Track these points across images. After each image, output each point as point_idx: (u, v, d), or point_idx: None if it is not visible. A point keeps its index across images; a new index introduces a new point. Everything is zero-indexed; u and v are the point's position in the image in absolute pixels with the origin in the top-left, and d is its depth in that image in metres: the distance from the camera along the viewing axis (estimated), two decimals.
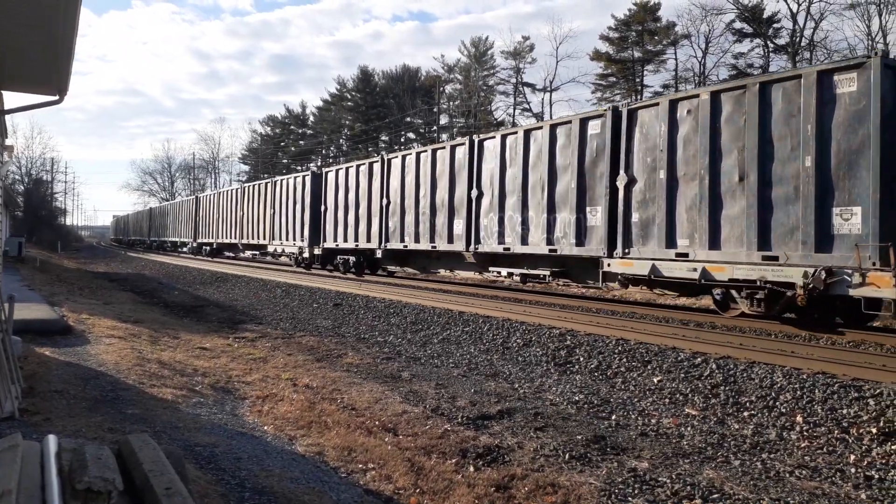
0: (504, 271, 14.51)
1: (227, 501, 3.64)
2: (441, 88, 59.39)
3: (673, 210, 10.23)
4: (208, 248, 36.97)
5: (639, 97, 44.76)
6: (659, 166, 10.44)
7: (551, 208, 12.58)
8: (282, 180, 25.88)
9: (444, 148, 16.19)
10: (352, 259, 20.87)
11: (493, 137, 14.48)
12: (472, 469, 4.56)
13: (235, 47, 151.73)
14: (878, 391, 5.85)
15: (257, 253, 31.11)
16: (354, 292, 15.49)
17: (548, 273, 13.21)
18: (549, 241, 12.62)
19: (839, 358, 7.21)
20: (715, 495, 4.07)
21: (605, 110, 11.76)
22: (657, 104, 10.67)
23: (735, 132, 9.35)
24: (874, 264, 7.74)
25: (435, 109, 60.87)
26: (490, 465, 4.66)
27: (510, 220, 13.72)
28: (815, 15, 38.33)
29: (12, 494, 2.21)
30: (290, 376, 7.43)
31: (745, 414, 5.94)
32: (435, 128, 61.70)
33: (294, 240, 24.02)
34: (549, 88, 51.28)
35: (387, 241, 18.29)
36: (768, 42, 42.66)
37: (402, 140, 64.68)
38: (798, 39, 39.23)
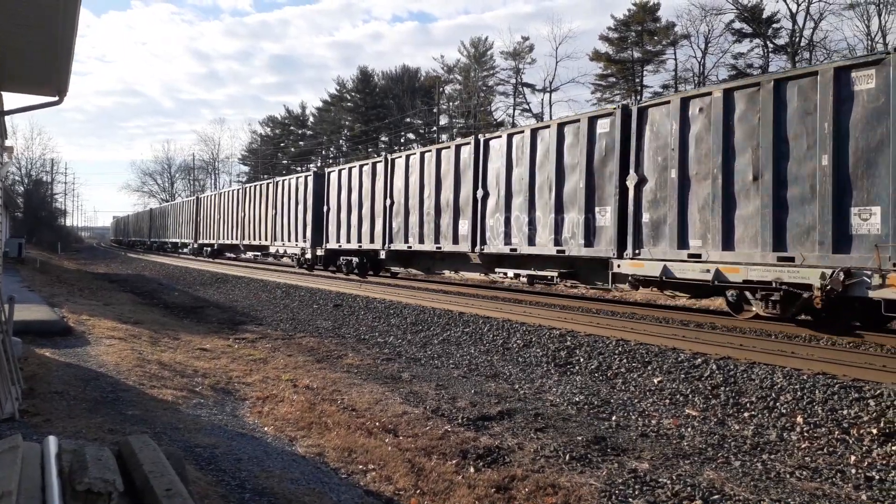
0: (511, 272, 14.34)
1: (227, 502, 3.63)
2: (441, 89, 59.41)
3: (685, 210, 10.05)
4: (209, 249, 36.90)
5: (639, 97, 44.75)
6: (670, 165, 10.27)
7: (559, 208, 12.41)
8: (284, 181, 25.74)
9: (448, 148, 16.02)
10: (355, 260, 20.72)
11: (500, 137, 14.32)
12: (472, 470, 4.56)
13: (235, 48, 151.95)
14: (878, 392, 5.85)
15: (259, 254, 30.99)
16: (355, 293, 15.50)
17: (555, 274, 13.03)
18: (557, 242, 12.44)
19: (839, 359, 7.21)
20: (715, 496, 4.07)
21: (615, 108, 11.56)
22: (668, 102, 10.49)
23: (749, 130, 9.19)
24: (895, 265, 7.56)
25: (435, 110, 60.89)
26: (490, 465, 4.66)
27: (517, 221, 13.56)
28: (814, 15, 38.45)
29: (13, 496, 2.21)
30: (290, 377, 7.43)
31: (746, 415, 5.94)
32: (435, 128, 61.73)
33: (296, 241, 23.90)
34: (548, 89, 51.37)
35: (390, 241, 18.15)
36: (768, 42, 42.71)
37: (402, 141, 64.72)
38: (797, 39, 39.27)
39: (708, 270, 9.49)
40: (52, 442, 2.69)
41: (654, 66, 49.66)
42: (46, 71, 6.60)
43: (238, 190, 32.32)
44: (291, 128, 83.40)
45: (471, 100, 56.01)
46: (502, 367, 8.19)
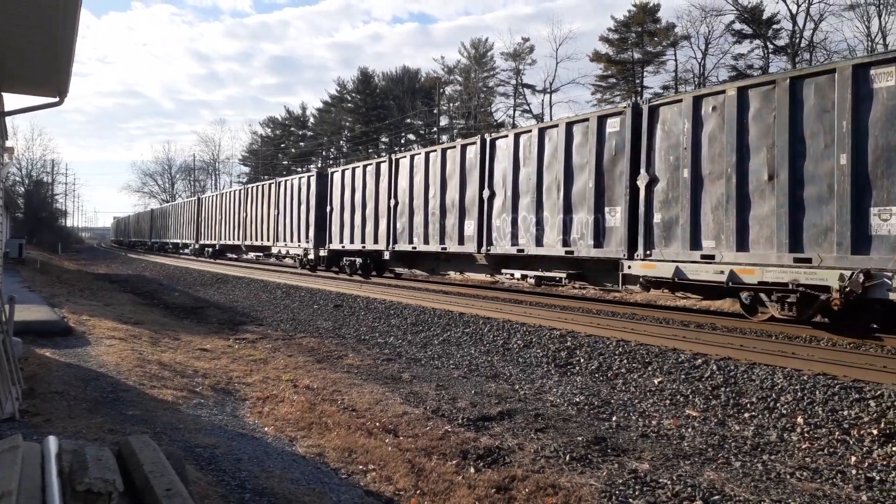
0: (517, 273, 14.16)
1: (227, 502, 3.63)
2: (441, 90, 59.46)
3: (698, 210, 9.90)
4: (210, 249, 36.83)
5: (639, 98, 44.69)
6: (682, 165, 10.11)
7: (567, 209, 12.27)
8: (286, 181, 25.61)
9: (454, 147, 15.88)
10: (358, 261, 20.59)
11: (506, 136, 14.19)
12: (472, 470, 4.56)
13: (235, 49, 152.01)
14: (878, 392, 5.85)
15: (261, 255, 30.88)
16: (355, 293, 15.49)
17: (564, 275, 12.86)
18: (566, 243, 12.30)
19: (840, 359, 7.20)
20: (716, 497, 4.07)
21: (625, 107, 11.42)
22: (680, 101, 10.35)
23: (764, 129, 9.03)
24: None
25: (435, 111, 60.92)
26: (491, 466, 4.66)
27: (524, 221, 13.42)
28: (814, 16, 38.49)
29: (13, 496, 2.21)
30: (290, 377, 7.43)
31: (746, 415, 5.93)
32: (435, 129, 61.77)
33: (299, 241, 23.79)
34: (548, 90, 51.44)
35: (395, 242, 18.01)
36: (768, 43, 42.75)
37: (402, 142, 64.76)
38: (797, 41, 39.29)
39: (722, 272, 9.32)
40: (53, 442, 2.69)
41: (654, 67, 49.79)
42: (47, 71, 6.61)
43: (240, 190, 32.18)
44: (292, 129, 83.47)
45: (471, 101, 56.07)
46: (503, 368, 8.18)
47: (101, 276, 26.74)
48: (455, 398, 6.57)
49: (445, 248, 15.98)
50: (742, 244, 9.25)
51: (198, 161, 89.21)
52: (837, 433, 5.30)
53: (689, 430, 5.55)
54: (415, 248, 17.19)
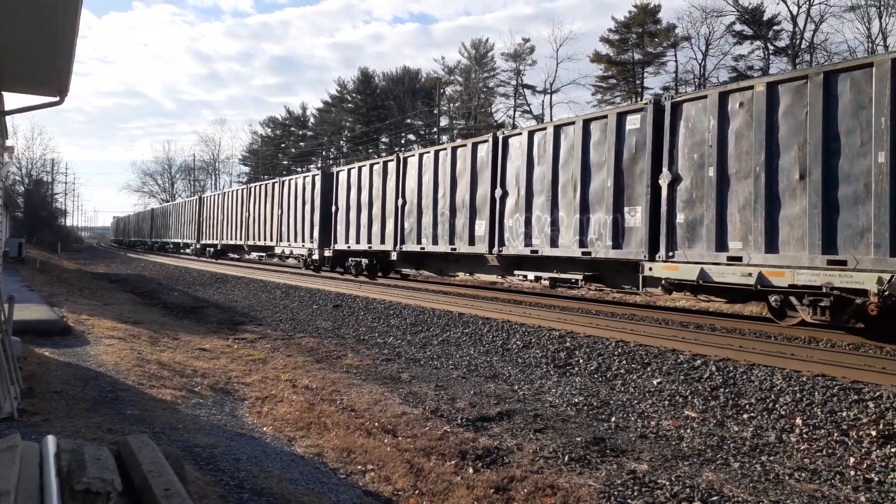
0: (531, 275, 13.65)
1: (226, 502, 3.63)
2: (441, 90, 59.49)
3: (724, 210, 9.52)
4: (212, 249, 36.66)
5: (639, 99, 44.75)
6: (707, 163, 9.76)
7: (584, 208, 11.90)
8: (290, 180, 25.28)
9: (465, 146, 15.49)
10: (364, 261, 20.27)
11: (520, 134, 13.84)
12: (471, 471, 4.56)
13: (235, 49, 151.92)
14: (877, 394, 5.85)
15: (264, 255, 30.62)
16: (354, 294, 15.49)
17: (580, 277, 12.42)
18: (582, 244, 11.93)
19: (839, 360, 7.21)
20: (714, 497, 4.07)
21: (646, 104, 11.06)
22: (705, 97, 9.98)
23: (795, 126, 8.68)
24: None
25: (435, 111, 60.96)
26: (489, 466, 4.66)
27: (538, 221, 13.04)
28: (815, 17, 38.49)
29: (11, 495, 2.21)
30: (289, 377, 7.43)
31: (745, 416, 5.93)
32: (435, 129, 61.79)
33: (303, 241, 23.51)
34: (549, 90, 51.43)
35: (402, 242, 17.68)
36: (768, 44, 42.76)
37: (403, 142, 64.76)
38: (798, 42, 39.31)
39: (750, 274, 8.96)
40: (51, 441, 2.69)
41: (654, 68, 49.79)
42: (47, 71, 6.61)
43: (242, 190, 31.91)
44: (292, 129, 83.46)
45: (471, 101, 56.07)
46: (502, 368, 8.19)
47: (100, 276, 26.74)
48: (454, 398, 6.57)
49: (455, 249, 15.64)
50: (771, 245, 8.91)
51: (198, 161, 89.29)
52: (836, 434, 5.30)
53: (688, 430, 5.56)
54: (423, 248, 16.84)
